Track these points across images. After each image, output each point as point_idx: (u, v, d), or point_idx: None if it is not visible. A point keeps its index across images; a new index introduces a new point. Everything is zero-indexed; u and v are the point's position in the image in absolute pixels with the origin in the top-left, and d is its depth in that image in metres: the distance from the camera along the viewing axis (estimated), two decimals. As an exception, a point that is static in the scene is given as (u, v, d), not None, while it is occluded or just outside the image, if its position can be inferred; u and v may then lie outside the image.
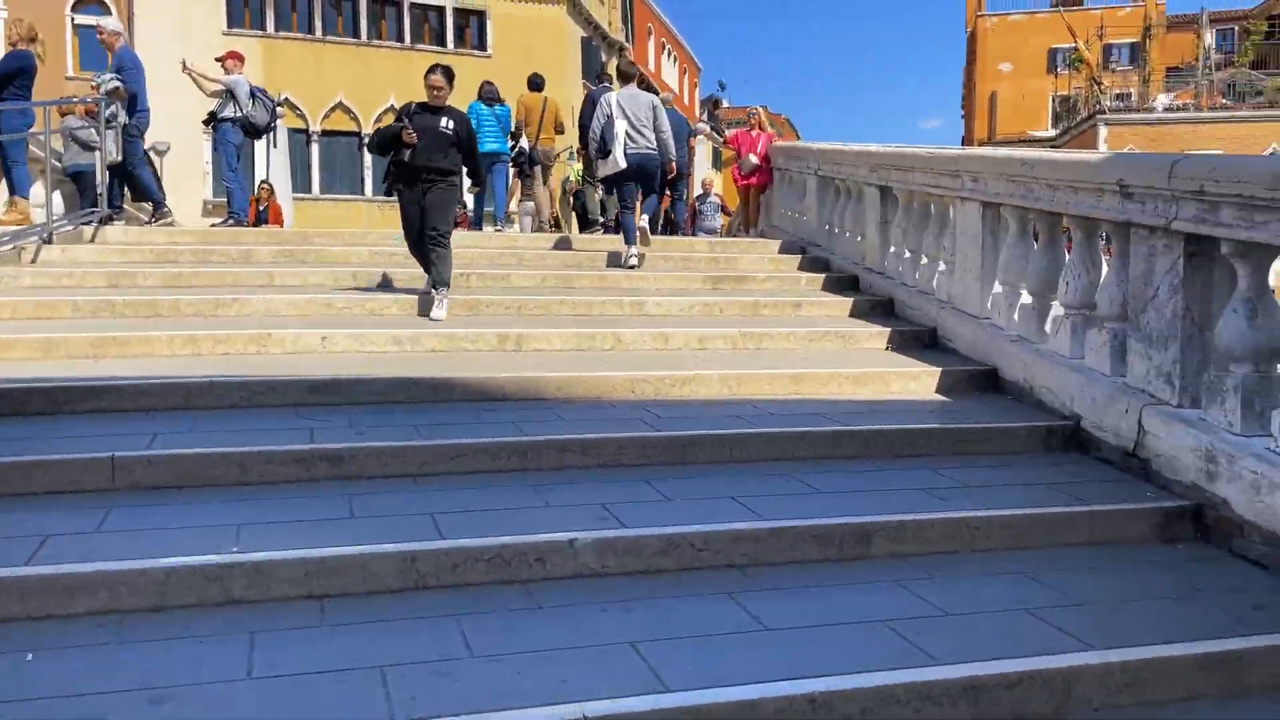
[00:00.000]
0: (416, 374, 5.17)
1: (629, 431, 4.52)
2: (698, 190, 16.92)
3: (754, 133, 12.68)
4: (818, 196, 10.20)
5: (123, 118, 9.13)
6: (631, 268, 8.65)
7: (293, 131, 27.28)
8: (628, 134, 9.07)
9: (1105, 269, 5.20)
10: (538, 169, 12.55)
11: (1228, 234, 4.00)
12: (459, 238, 9.61)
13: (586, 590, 3.27)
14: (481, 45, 30.40)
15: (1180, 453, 4.15)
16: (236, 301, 6.55)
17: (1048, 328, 5.61)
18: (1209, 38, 30.97)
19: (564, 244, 9.72)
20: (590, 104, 11.14)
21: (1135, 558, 3.75)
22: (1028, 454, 4.83)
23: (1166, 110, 28.13)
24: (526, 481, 4.07)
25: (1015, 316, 5.91)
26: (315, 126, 28.53)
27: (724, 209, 17.36)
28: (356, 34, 29.10)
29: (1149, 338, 4.54)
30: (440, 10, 30.02)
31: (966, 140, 51.85)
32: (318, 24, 28.75)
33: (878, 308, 7.67)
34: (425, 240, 6.84)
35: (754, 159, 12.36)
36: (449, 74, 7.07)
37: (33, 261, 7.66)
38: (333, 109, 28.63)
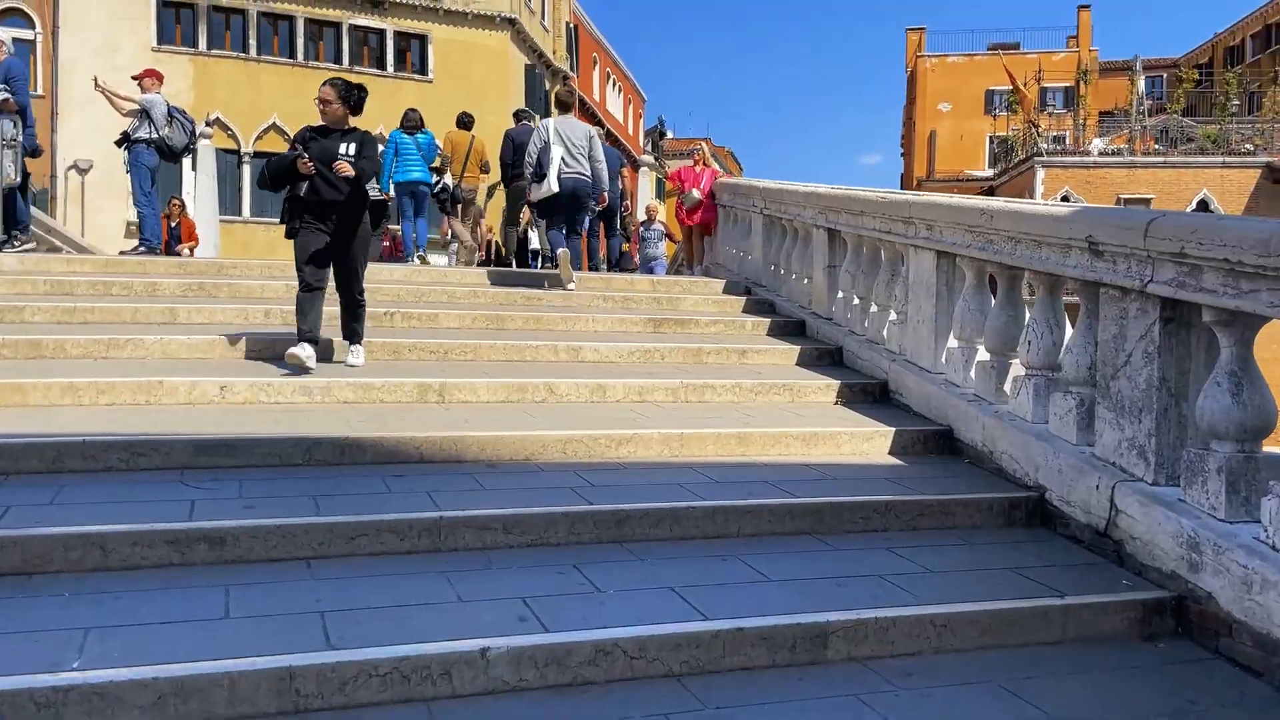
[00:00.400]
0: (321, 433, 4.65)
1: (558, 505, 4.05)
2: (641, 216, 16.54)
3: (698, 168, 12.38)
4: (764, 236, 9.89)
5: (16, 133, 8.45)
6: (570, 291, 8.85)
7: (224, 152, 26.47)
8: (563, 159, 9.21)
9: (1069, 329, 4.89)
10: (459, 206, 12.60)
11: (1211, 301, 3.69)
12: (387, 271, 9.13)
13: (500, 710, 2.80)
14: (423, 69, 29.90)
15: (1159, 538, 3.80)
16: (130, 342, 5.95)
17: (1007, 388, 5.28)
18: (1141, 84, 31.67)
19: (499, 279, 9.25)
20: (509, 141, 11.29)
21: (1118, 660, 3.37)
22: (990, 528, 4.47)
23: (1101, 154, 28.58)
24: (438, 567, 3.58)
25: (972, 374, 5.58)
26: (247, 148, 27.73)
27: (669, 236, 16.95)
28: (293, 54, 28.42)
29: (1120, 407, 4.21)
30: (380, 33, 29.47)
31: (906, 177, 52.55)
32: (252, 43, 28.01)
33: (825, 356, 7.33)
34: (343, 293, 6.03)
35: (697, 194, 12.03)
36: (346, 90, 6.01)
37: (-92, 292, 6.98)
38: (266, 130, 27.85)
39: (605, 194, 10.06)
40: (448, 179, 12.26)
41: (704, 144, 13.11)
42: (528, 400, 5.76)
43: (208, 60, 27.36)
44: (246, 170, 27.70)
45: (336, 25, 28.91)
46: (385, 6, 29.23)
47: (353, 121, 6.16)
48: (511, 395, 5.76)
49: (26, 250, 8.58)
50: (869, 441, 5.36)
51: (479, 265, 12.73)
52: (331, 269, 5.99)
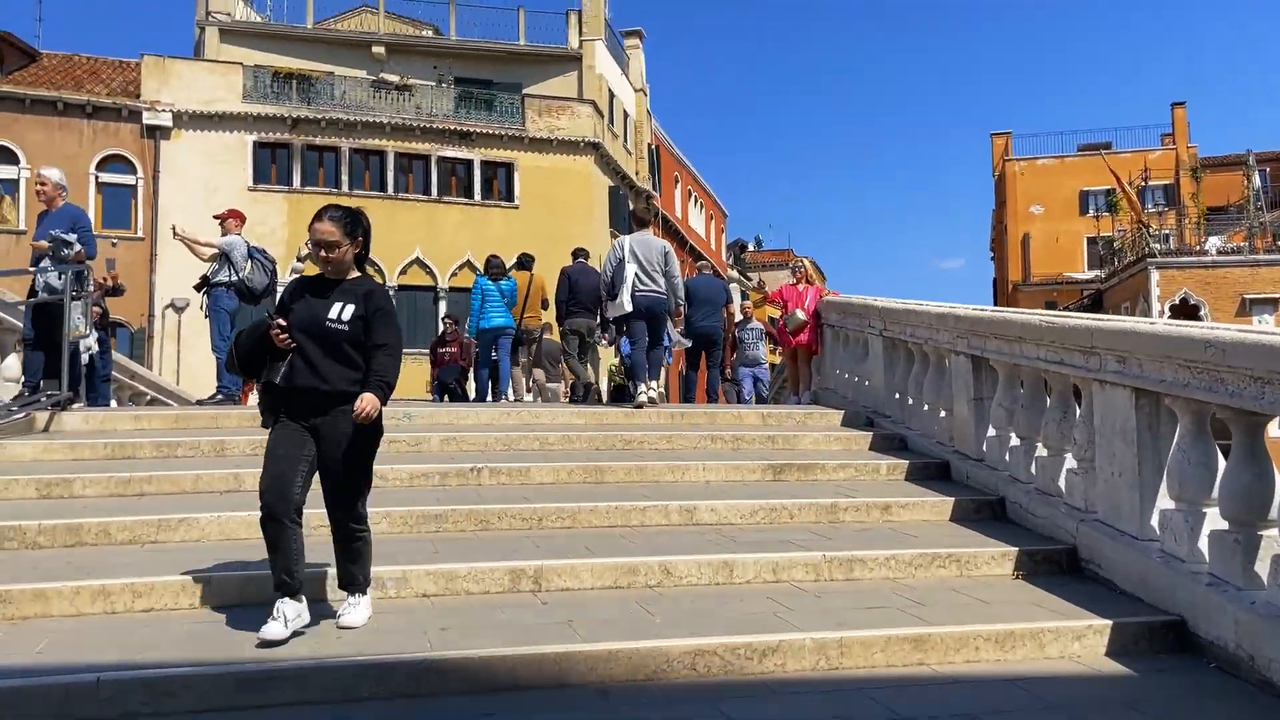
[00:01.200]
0: (392, 651, 3.71)
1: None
2: (737, 317, 15.70)
3: (800, 286, 11.49)
4: (884, 360, 8.88)
5: (88, 286, 8.03)
6: (640, 406, 8.86)
7: (315, 285, 26.69)
8: (637, 276, 9.18)
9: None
10: (521, 348, 12.62)
11: None
12: (473, 414, 8.33)
13: None
14: (509, 196, 30.08)
15: None
16: (184, 523, 5.17)
17: (1262, 569, 4.10)
18: (1256, 179, 30.06)
19: (592, 419, 8.38)
20: (565, 278, 11.15)
21: None
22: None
23: (1220, 253, 26.95)
24: None
25: (1202, 546, 4.41)
26: (338, 280, 27.94)
27: (769, 335, 15.80)
28: (383, 188, 28.86)
29: None
30: (468, 163, 29.84)
31: (999, 282, 51.08)
32: (344, 178, 28.55)
33: (985, 509, 6.19)
34: (332, 519, 4.16)
35: (802, 315, 11.12)
36: (352, 223, 4.18)
37: (-40, 462, 6.39)
38: (357, 262, 28.08)
39: (681, 306, 9.94)
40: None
41: (807, 261, 12.18)
42: (639, 585, 4.76)
43: (301, 197, 27.91)
44: (337, 302, 27.85)
45: (425, 158, 29.38)
46: (472, 138, 29.65)
47: (358, 262, 4.29)
48: (620, 578, 4.77)
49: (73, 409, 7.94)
50: (1080, 640, 4.20)
51: (570, 401, 12.00)
52: (304, 487, 4.04)
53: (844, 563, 5.02)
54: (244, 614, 4.19)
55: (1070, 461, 5.71)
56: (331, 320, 4.05)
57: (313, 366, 4.03)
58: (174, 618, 4.16)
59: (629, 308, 9.07)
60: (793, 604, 4.50)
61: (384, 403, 4.07)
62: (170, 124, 26.71)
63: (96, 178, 26.30)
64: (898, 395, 8.61)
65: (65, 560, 4.67)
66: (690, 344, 11.56)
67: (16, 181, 25.19)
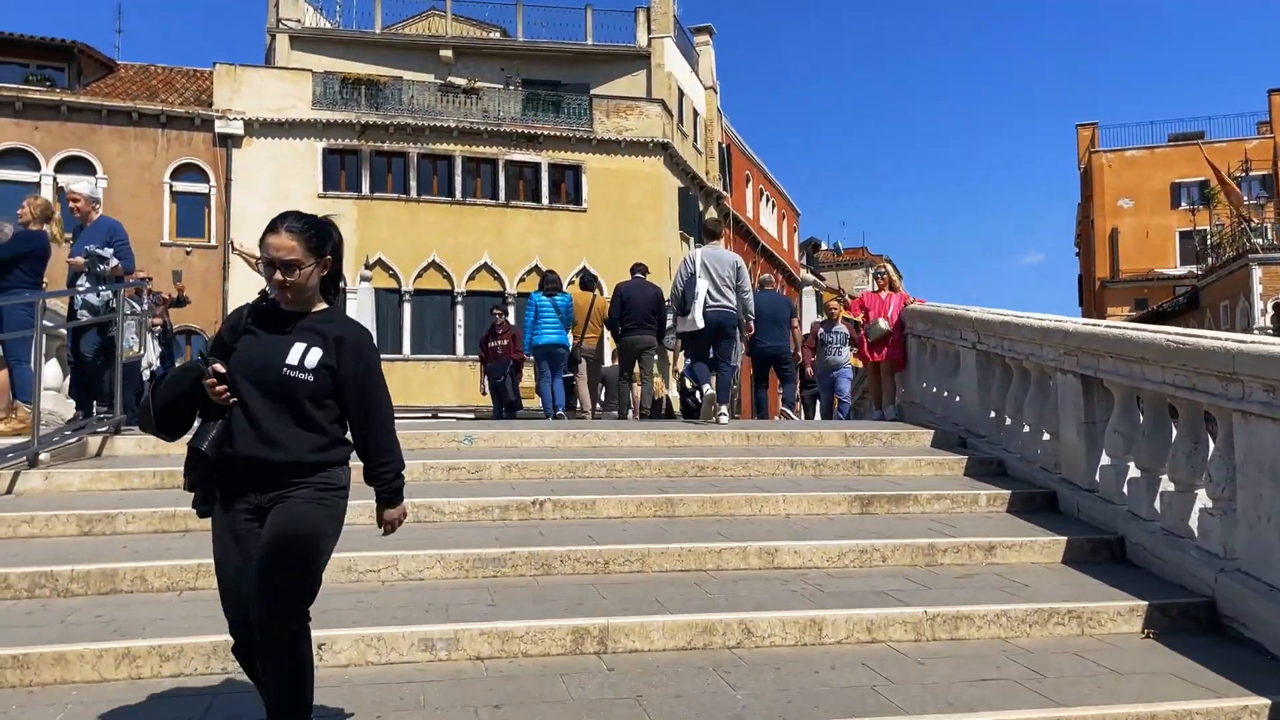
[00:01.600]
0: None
1: None
2: (818, 316, 15.05)
3: (884, 294, 10.81)
4: (978, 375, 8.22)
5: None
6: (712, 420, 8.82)
7: (385, 292, 26.76)
8: (709, 292, 9.06)
9: None
10: (581, 365, 12.46)
11: None
12: (537, 435, 7.83)
13: None
14: (577, 199, 29.76)
15: None
16: (223, 567, 4.81)
17: None
18: (1367, 166, 28.24)
19: (663, 442, 7.89)
20: (619, 296, 11.25)
21: None
22: None
23: (1330, 246, 25.40)
24: None
25: (1382, 614, 3.74)
26: (408, 286, 27.95)
27: (853, 340, 14.96)
28: (451, 193, 28.77)
29: None
30: (535, 167, 29.59)
31: (1086, 279, 49.27)
32: (413, 184, 28.52)
33: (1102, 550, 5.55)
34: (263, 621, 2.98)
35: (885, 325, 10.45)
36: (314, 232, 3.14)
37: (7, 492, 6.15)
38: (426, 268, 28.06)
39: (751, 321, 9.78)
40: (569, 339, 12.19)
41: (889, 266, 11.51)
42: (717, 646, 4.25)
43: (370, 203, 27.97)
44: (407, 308, 27.88)
45: (493, 162, 29.22)
46: (540, 140, 29.41)
47: (326, 288, 3.22)
48: (695, 639, 4.26)
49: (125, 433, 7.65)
50: (1240, 729, 3.58)
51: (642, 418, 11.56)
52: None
53: (948, 620, 4.45)
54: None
55: (1203, 499, 5.05)
56: (291, 367, 2.98)
57: (259, 429, 2.96)
58: (203, 687, 3.77)
59: (701, 324, 8.90)
60: (892, 673, 3.95)
61: (370, 449, 3.14)
62: (241, 132, 26.96)
63: (171, 186, 26.66)
64: (994, 414, 7.95)
65: (95, 613, 4.33)
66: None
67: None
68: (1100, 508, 5.94)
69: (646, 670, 3.97)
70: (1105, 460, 6.08)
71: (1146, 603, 4.62)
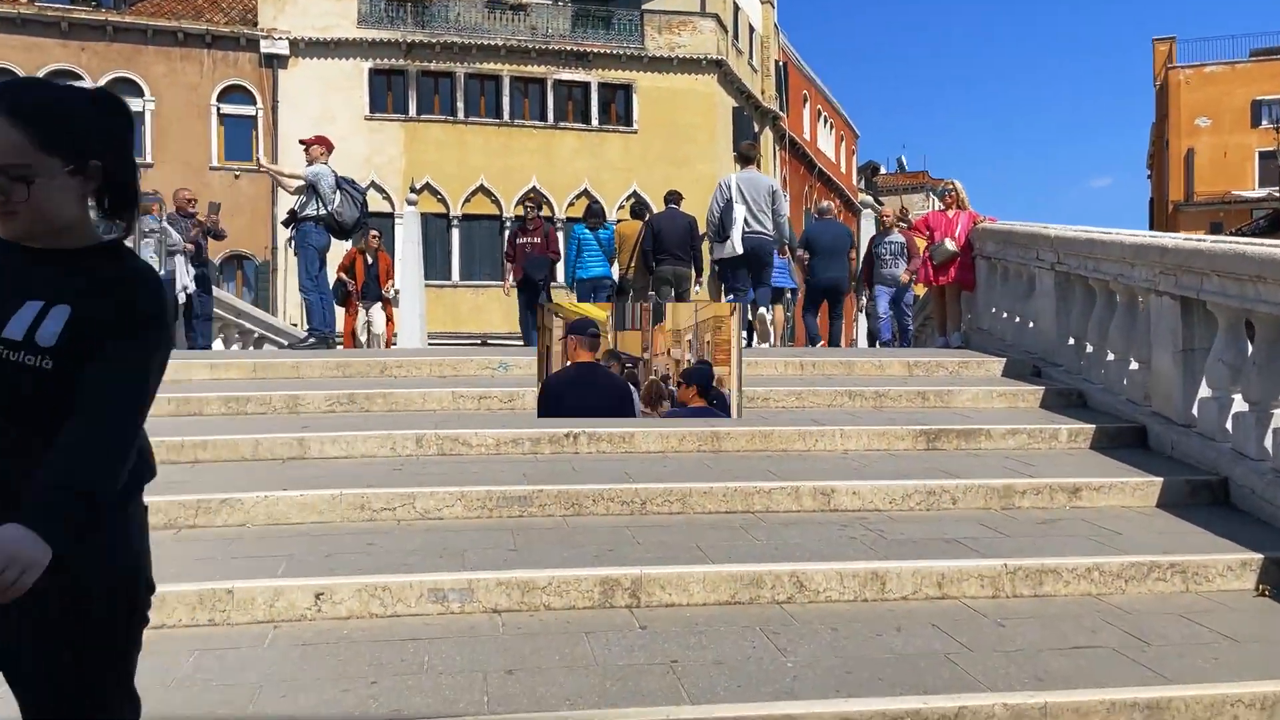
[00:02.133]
0: (430, 712, 2.82)
1: None
2: (871, 230, 14.27)
3: (950, 212, 10.03)
4: (1056, 298, 7.54)
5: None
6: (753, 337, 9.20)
7: (433, 217, 26.28)
8: (746, 219, 9.04)
9: None
10: (629, 296, 12.16)
11: None
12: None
13: None
14: (628, 120, 28.85)
15: None
16: (226, 505, 4.41)
17: None
18: None
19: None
20: (649, 228, 10.96)
21: None
22: None
23: None
24: None
25: None
26: (456, 211, 27.46)
27: (910, 251, 13.93)
28: (499, 115, 28.04)
29: None
30: (585, 86, 28.68)
31: (1157, 202, 47.17)
32: (460, 105, 27.83)
33: (1203, 492, 4.93)
34: None
35: (951, 245, 9.71)
36: (47, 116, 1.70)
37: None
38: (474, 192, 27.51)
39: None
40: (614, 271, 11.76)
41: (957, 183, 10.66)
42: (765, 600, 3.76)
43: (417, 125, 27.36)
44: (455, 234, 27.44)
45: (541, 81, 28.37)
46: (589, 58, 28.45)
47: (108, 213, 1.85)
48: (740, 593, 3.77)
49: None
50: (1392, 716, 3.00)
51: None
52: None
53: (1031, 574, 3.89)
54: (267, 643, 3.38)
55: (1329, 440, 4.40)
56: (8, 338, 1.66)
57: None
58: (189, 635, 3.38)
59: (740, 249, 8.90)
60: (967, 637, 3.42)
61: (74, 536, 1.59)
62: (287, 52, 26.39)
63: (218, 109, 26.29)
64: (1073, 341, 7.28)
65: None
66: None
67: (143, 114, 25.32)
68: (1198, 445, 5.30)
69: (684, 629, 3.48)
70: (1205, 392, 5.43)
71: (1261, 555, 4.02)
